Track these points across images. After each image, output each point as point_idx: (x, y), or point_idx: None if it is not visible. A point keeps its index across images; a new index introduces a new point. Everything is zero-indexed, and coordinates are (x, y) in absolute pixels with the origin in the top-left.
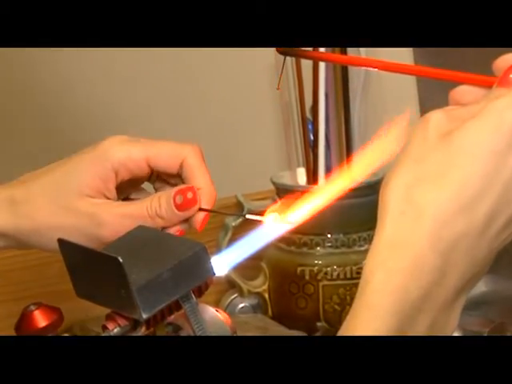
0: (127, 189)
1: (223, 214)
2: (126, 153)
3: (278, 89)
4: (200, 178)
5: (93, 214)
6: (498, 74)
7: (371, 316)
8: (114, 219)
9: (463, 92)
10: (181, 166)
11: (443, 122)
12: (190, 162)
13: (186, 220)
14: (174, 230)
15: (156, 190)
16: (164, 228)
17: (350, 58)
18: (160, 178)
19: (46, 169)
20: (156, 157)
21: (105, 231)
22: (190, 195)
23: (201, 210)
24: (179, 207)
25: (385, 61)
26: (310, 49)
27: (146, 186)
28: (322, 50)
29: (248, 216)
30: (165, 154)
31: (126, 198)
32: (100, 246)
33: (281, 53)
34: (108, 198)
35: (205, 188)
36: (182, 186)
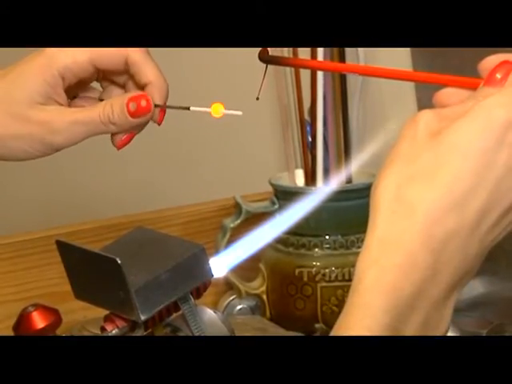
0: (75, 90)
1: (173, 108)
2: (70, 58)
3: (257, 99)
4: (148, 72)
5: (46, 122)
6: (483, 74)
7: (364, 314)
8: (68, 126)
9: (448, 94)
10: (126, 64)
11: (433, 121)
12: (134, 57)
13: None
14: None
15: (103, 88)
16: (116, 133)
17: (331, 64)
18: (106, 77)
19: None
20: (100, 56)
21: (59, 138)
22: (143, 103)
23: (155, 106)
24: (132, 114)
25: (356, 64)
26: (309, 54)
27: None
28: (320, 57)
29: (192, 108)
30: (108, 52)
31: (75, 98)
32: (54, 152)
33: (262, 61)
34: (59, 103)
35: (154, 81)
36: (135, 93)
